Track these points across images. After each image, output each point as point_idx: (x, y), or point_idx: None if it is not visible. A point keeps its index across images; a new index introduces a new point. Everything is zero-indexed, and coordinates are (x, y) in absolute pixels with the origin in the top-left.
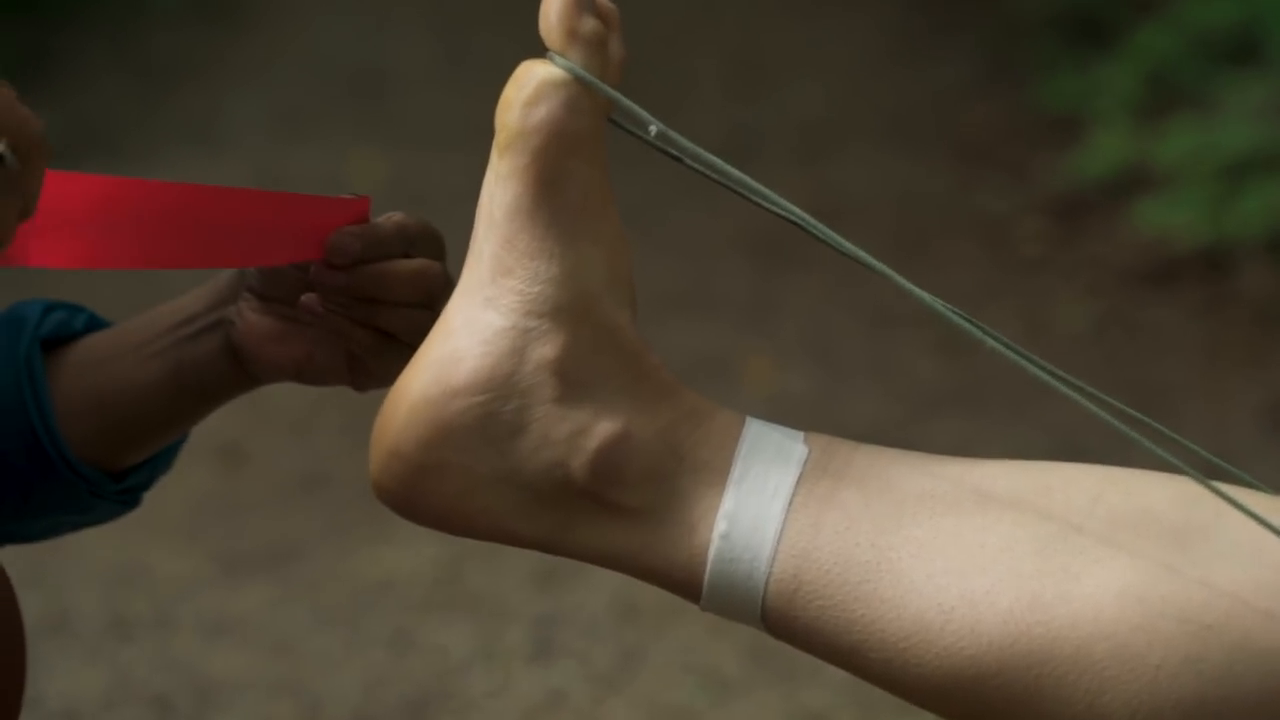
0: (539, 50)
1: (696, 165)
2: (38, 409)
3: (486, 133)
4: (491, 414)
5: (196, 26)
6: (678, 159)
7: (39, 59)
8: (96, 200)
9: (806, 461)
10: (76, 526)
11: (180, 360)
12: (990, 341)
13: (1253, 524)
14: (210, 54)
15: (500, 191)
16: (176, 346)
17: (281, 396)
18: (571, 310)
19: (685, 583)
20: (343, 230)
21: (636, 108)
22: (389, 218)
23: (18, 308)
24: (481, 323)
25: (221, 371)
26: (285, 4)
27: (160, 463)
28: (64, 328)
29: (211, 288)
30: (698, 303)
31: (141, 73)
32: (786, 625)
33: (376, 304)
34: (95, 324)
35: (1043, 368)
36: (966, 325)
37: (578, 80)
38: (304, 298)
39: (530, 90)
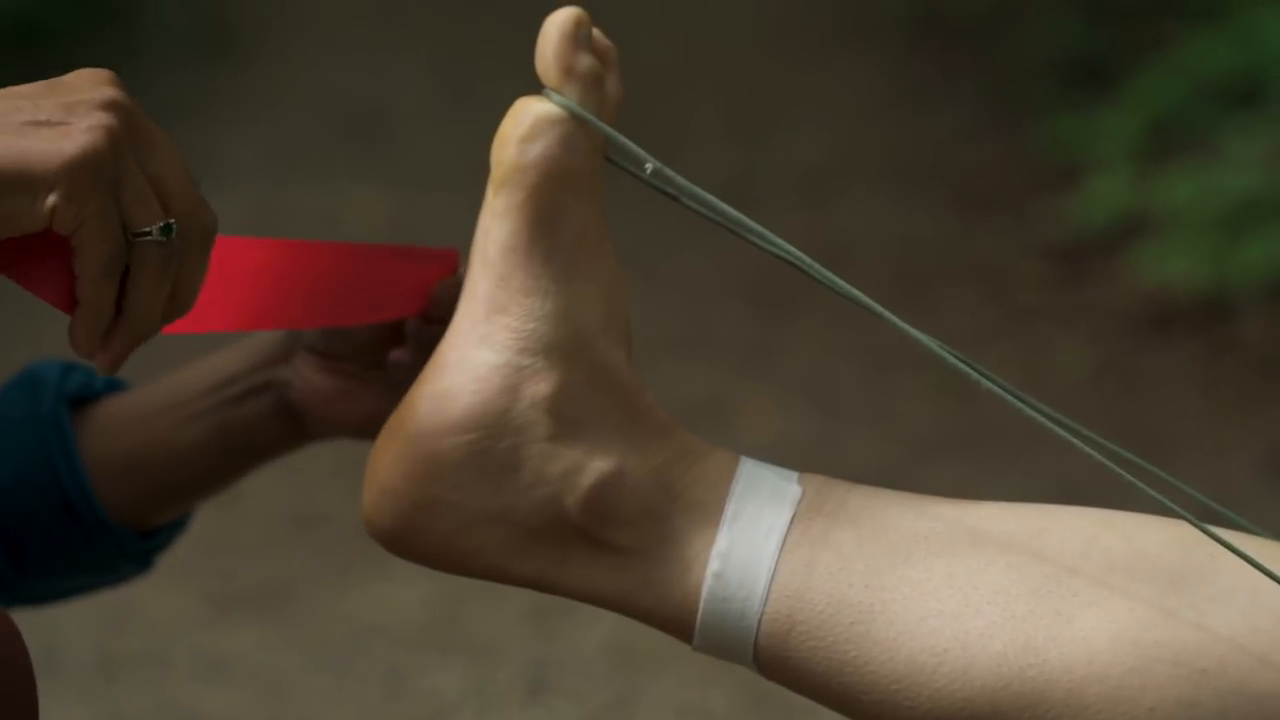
0: (539, 91)
1: (693, 204)
2: (68, 469)
3: (486, 173)
4: (485, 451)
5: (195, 65)
6: (674, 198)
7: None
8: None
9: (800, 501)
10: (93, 588)
11: (225, 422)
12: (987, 384)
13: (1249, 569)
14: (209, 93)
15: (495, 228)
16: (220, 408)
17: None
18: (566, 348)
19: (678, 622)
20: (446, 284)
21: (632, 145)
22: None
23: (34, 369)
24: (475, 360)
25: (271, 433)
26: (284, 43)
27: (180, 524)
28: (87, 388)
29: (252, 349)
30: (695, 345)
31: None
32: (779, 666)
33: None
34: (114, 385)
35: (1040, 411)
36: (964, 368)
37: (574, 117)
38: (394, 354)
39: (526, 127)
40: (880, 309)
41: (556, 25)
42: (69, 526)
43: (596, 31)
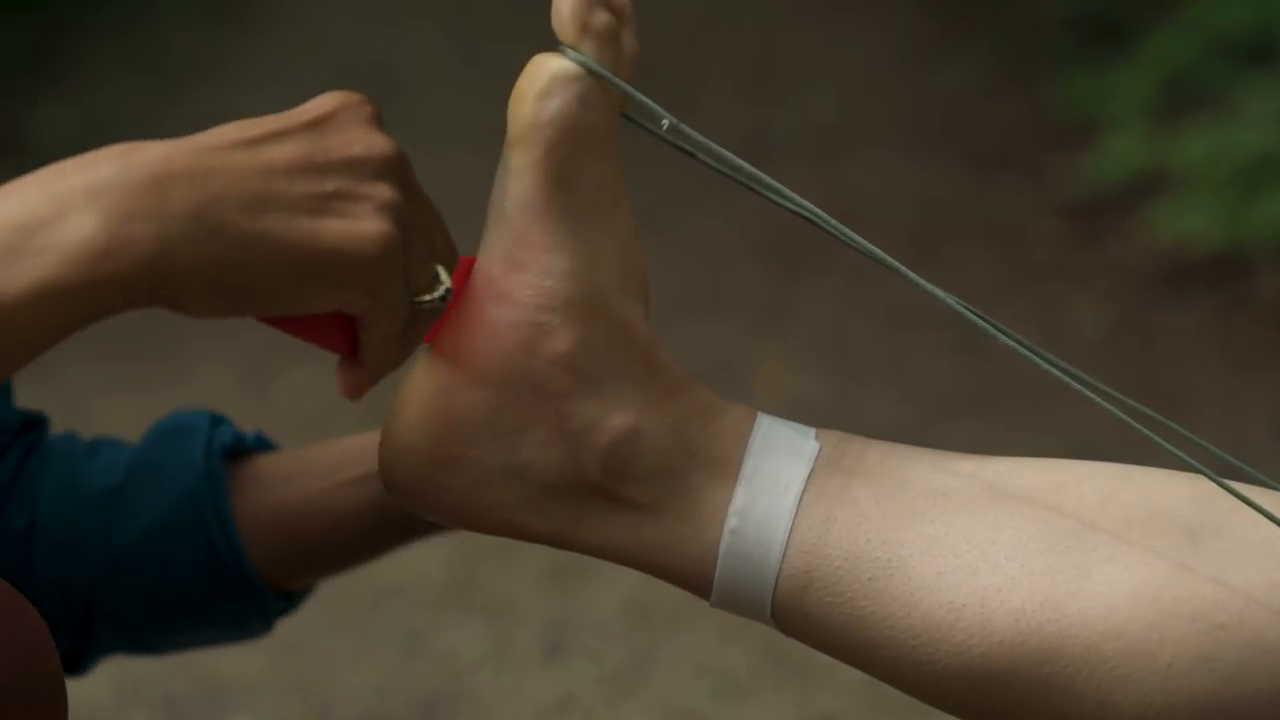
0: (554, 50)
1: (709, 160)
2: (219, 522)
3: (500, 134)
4: (502, 408)
5: (210, 26)
6: (690, 154)
7: (51, 59)
8: None
9: (818, 457)
10: (213, 643)
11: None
12: (1005, 340)
13: (1267, 523)
14: (224, 54)
15: (512, 186)
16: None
17: (290, 396)
18: (583, 305)
19: (696, 578)
20: None
21: (649, 101)
22: None
23: (181, 417)
24: (493, 317)
25: None
26: (299, 4)
27: (310, 589)
28: (238, 442)
29: None
30: (711, 305)
31: (154, 73)
32: (796, 621)
33: None
34: (264, 442)
35: (1057, 366)
36: (982, 324)
37: (590, 74)
38: None
39: (543, 83)
40: (898, 264)
41: None
42: (212, 579)
43: None
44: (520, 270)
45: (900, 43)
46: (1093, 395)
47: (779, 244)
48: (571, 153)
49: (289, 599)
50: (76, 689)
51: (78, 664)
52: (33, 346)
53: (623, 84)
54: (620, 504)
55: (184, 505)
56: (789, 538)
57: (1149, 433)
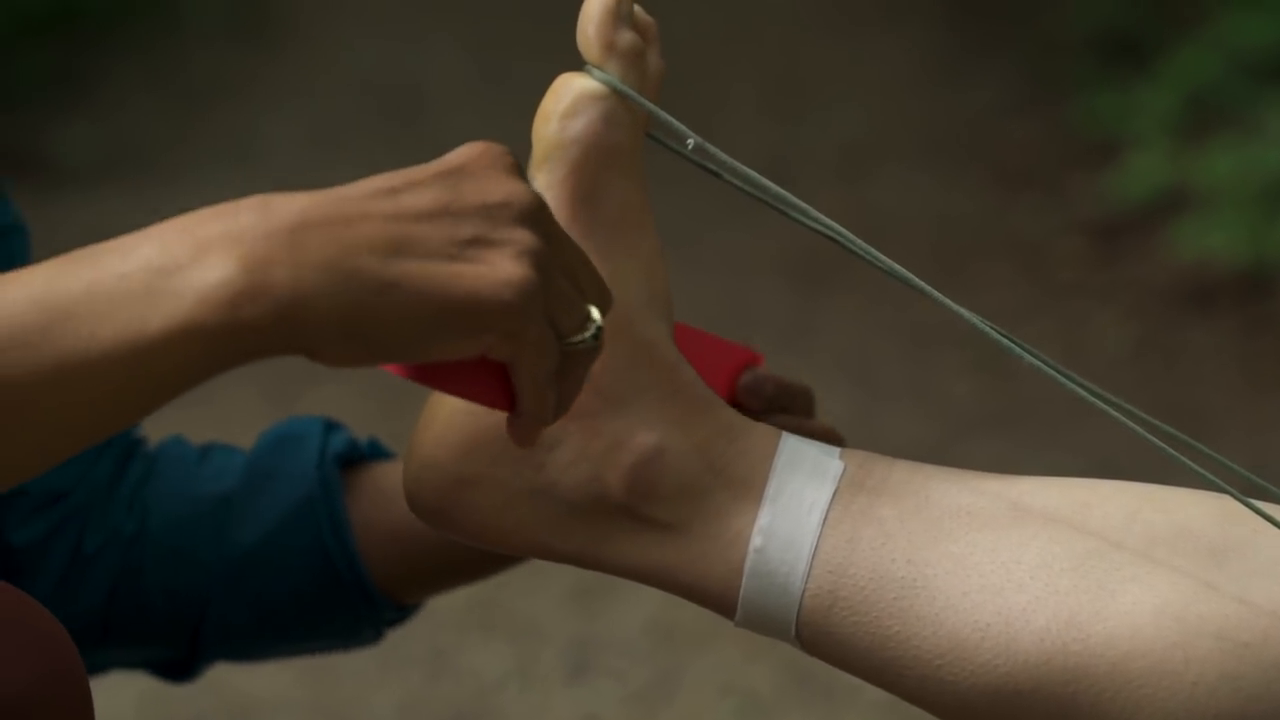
0: (577, 68)
1: (734, 180)
2: (334, 531)
3: (523, 155)
4: None
5: (232, 45)
6: (715, 174)
7: (74, 77)
8: None
9: (842, 477)
10: (322, 651)
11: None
12: (1030, 359)
13: None
14: (246, 73)
15: None
16: None
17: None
18: (608, 324)
19: (720, 598)
20: (757, 373)
21: (674, 121)
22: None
23: (293, 424)
24: None
25: None
26: (321, 23)
27: (424, 601)
28: (353, 449)
29: None
30: (735, 323)
31: (176, 92)
32: (821, 641)
33: None
34: (379, 450)
35: (1081, 385)
36: (1006, 343)
37: (615, 93)
38: None
39: (568, 102)
40: (922, 284)
41: (598, 1)
42: (327, 588)
43: (636, 7)
44: None
45: (924, 61)
46: (1116, 414)
47: (803, 262)
48: (597, 172)
49: (403, 610)
50: (102, 708)
51: (186, 671)
52: (166, 389)
53: (648, 103)
54: (645, 523)
55: (298, 513)
56: (814, 557)
57: (1173, 451)
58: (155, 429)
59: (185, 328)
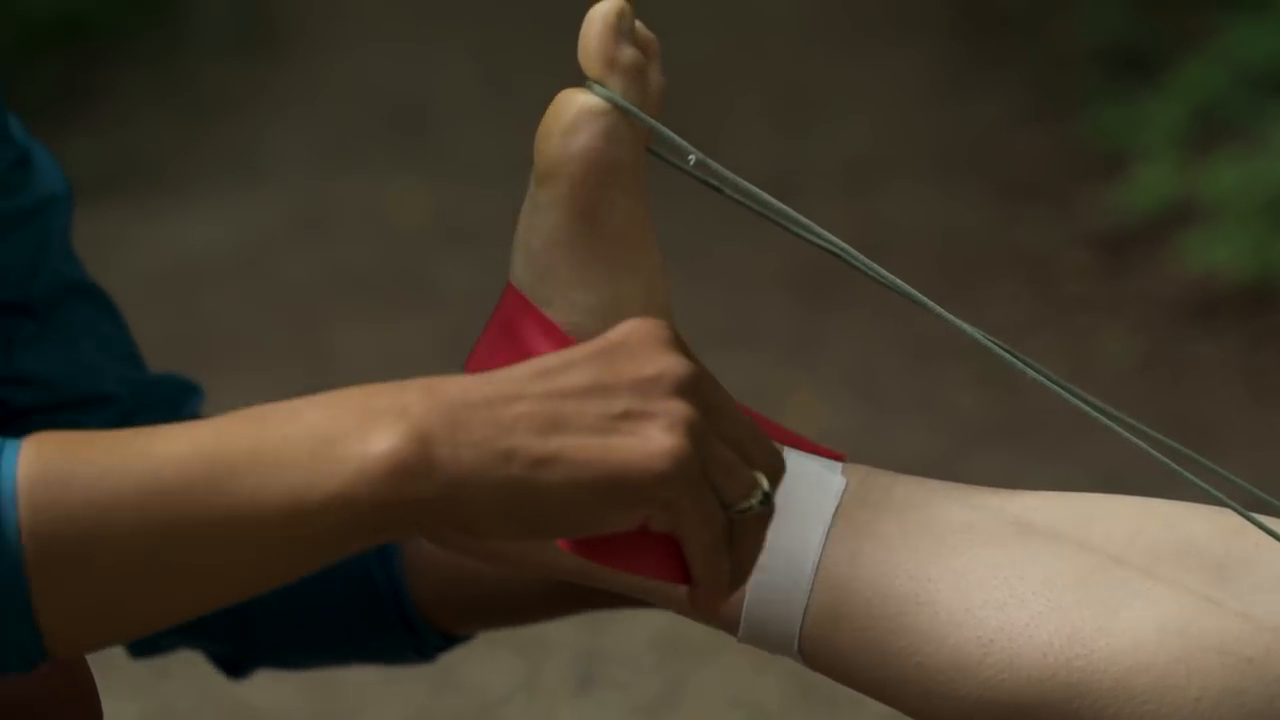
0: (581, 83)
1: (736, 195)
2: (380, 558)
3: (528, 166)
4: None
5: (238, 58)
6: (717, 189)
7: (80, 91)
8: None
9: (845, 492)
10: (370, 664)
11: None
12: (1033, 374)
13: None
14: (251, 85)
15: (539, 221)
16: None
17: None
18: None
19: (723, 619)
20: None
21: (675, 137)
22: None
23: None
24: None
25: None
26: (327, 36)
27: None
28: None
29: None
30: (740, 337)
31: (183, 104)
32: (824, 656)
33: None
34: None
35: (1085, 400)
36: (1009, 358)
37: (617, 109)
38: None
39: (569, 119)
40: (925, 299)
41: (599, 17)
42: (367, 613)
43: (638, 23)
44: (546, 306)
45: (930, 75)
46: (1120, 429)
47: (807, 276)
48: (598, 188)
49: (450, 639)
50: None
51: (238, 668)
52: (320, 553)
53: (650, 119)
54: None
55: None
56: (816, 573)
57: (1176, 466)
58: None
59: (346, 496)
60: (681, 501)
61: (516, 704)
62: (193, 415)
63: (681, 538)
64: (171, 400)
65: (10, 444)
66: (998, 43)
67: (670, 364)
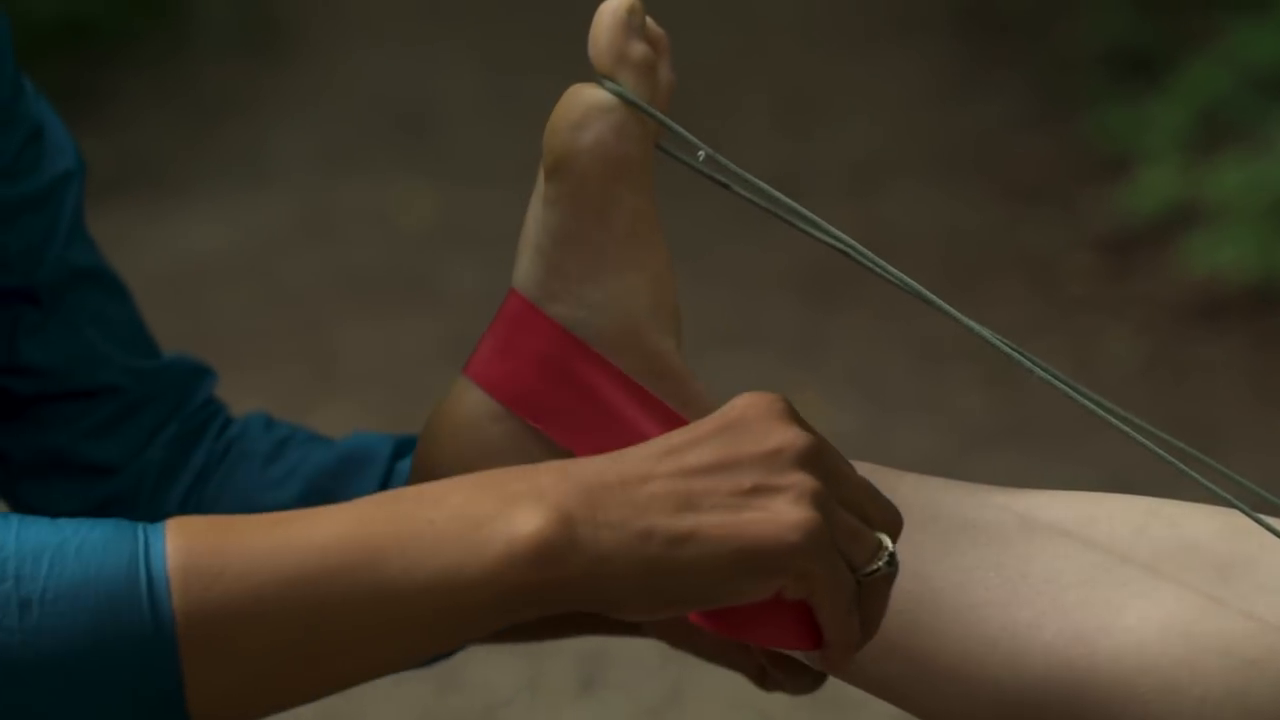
0: (588, 82)
1: (745, 193)
2: None
3: (534, 167)
4: (535, 438)
5: (242, 61)
6: (726, 186)
7: (85, 93)
8: None
9: None
10: None
11: None
12: (1040, 373)
13: None
14: (255, 88)
15: (546, 216)
16: None
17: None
18: (616, 337)
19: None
20: None
21: (685, 133)
22: None
23: (362, 441)
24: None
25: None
26: (331, 38)
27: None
28: None
29: None
30: (746, 337)
31: (187, 107)
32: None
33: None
34: None
35: (1090, 399)
36: (1016, 356)
37: (626, 105)
38: None
39: (579, 114)
40: (933, 297)
41: (610, 12)
42: None
43: (648, 19)
44: (553, 301)
45: (934, 76)
46: (1126, 428)
47: (814, 277)
48: (606, 184)
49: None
50: None
51: None
52: (464, 633)
53: (659, 115)
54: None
55: None
56: None
57: (1183, 466)
58: None
59: (493, 577)
60: (815, 570)
61: (520, 705)
62: (204, 401)
63: (815, 605)
64: (181, 388)
65: (155, 531)
66: (1002, 45)
67: (790, 437)
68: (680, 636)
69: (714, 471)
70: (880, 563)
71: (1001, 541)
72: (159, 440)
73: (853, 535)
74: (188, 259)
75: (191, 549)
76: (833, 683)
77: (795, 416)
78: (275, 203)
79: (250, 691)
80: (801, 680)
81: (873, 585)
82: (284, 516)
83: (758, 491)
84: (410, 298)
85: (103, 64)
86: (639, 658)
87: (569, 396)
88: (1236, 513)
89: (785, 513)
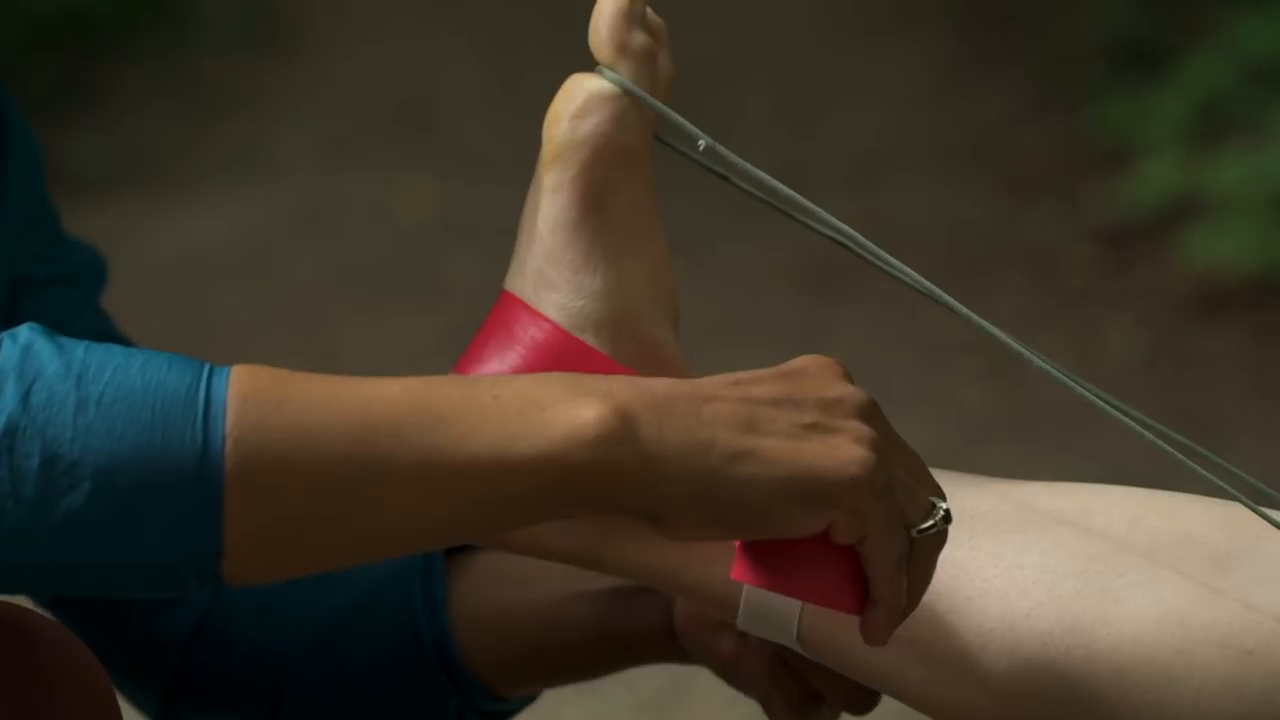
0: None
1: (743, 184)
2: (427, 608)
3: (535, 160)
4: None
5: (244, 54)
6: (725, 178)
7: (85, 88)
8: None
9: None
10: None
11: (614, 609)
12: (1040, 365)
13: None
14: (257, 82)
15: (545, 204)
16: (614, 598)
17: None
18: (614, 325)
19: (722, 599)
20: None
21: (685, 122)
22: None
23: None
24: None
25: (653, 642)
26: (333, 32)
27: (529, 699)
28: None
29: None
30: (746, 331)
31: (188, 101)
32: (823, 644)
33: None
34: None
35: (1091, 391)
36: (1015, 346)
37: (626, 94)
38: None
39: (579, 103)
40: (934, 288)
41: (610, 2)
42: (414, 668)
43: (648, 9)
44: (551, 290)
45: (936, 69)
46: (1126, 419)
47: (814, 269)
48: (606, 173)
49: (499, 700)
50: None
51: None
52: (511, 513)
53: (659, 104)
54: (647, 524)
55: (393, 584)
56: None
57: (1181, 457)
58: None
59: (549, 454)
60: (870, 510)
61: None
62: None
63: (867, 552)
64: None
65: (222, 368)
66: (1003, 37)
67: (850, 390)
68: (714, 657)
69: (777, 404)
70: (936, 519)
71: (998, 532)
72: None
73: (908, 491)
74: (189, 253)
75: (255, 381)
76: None
77: (850, 378)
78: (277, 197)
79: (287, 536)
80: (820, 713)
81: (924, 545)
82: (349, 378)
83: (817, 428)
84: (412, 291)
85: (104, 58)
86: None
87: None
88: (1233, 504)
89: (844, 448)
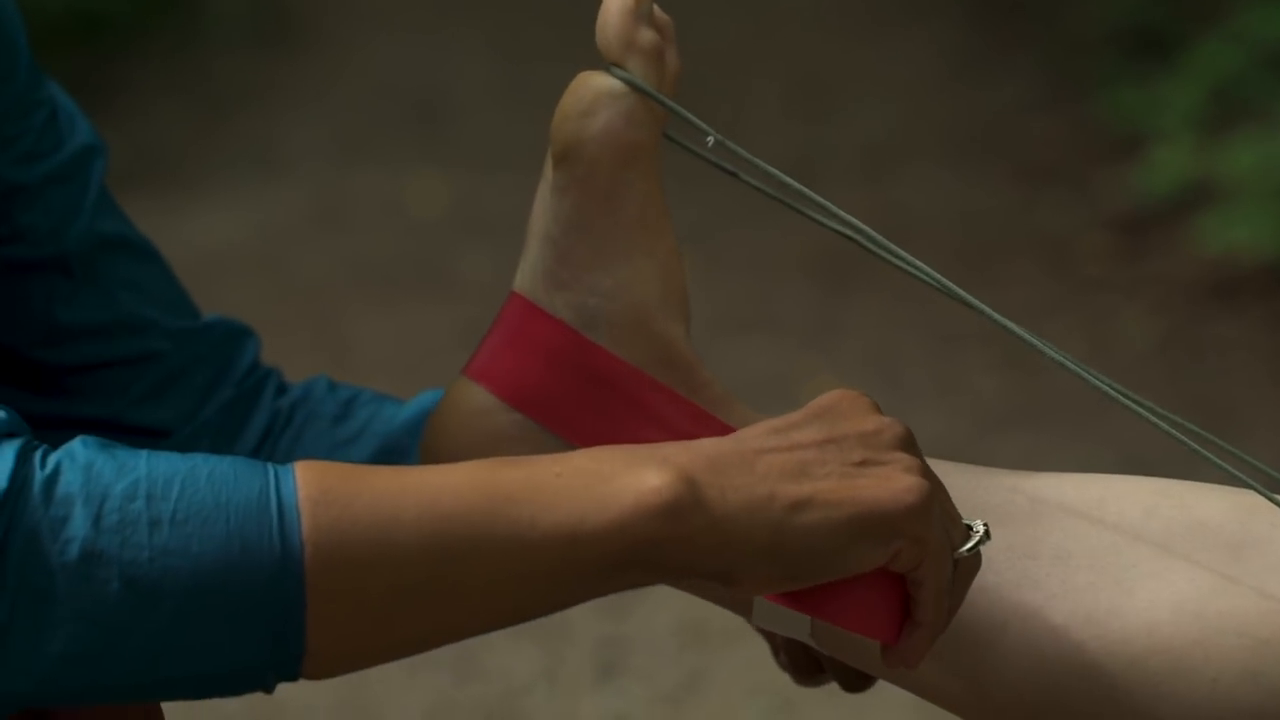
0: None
1: (752, 180)
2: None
3: (546, 154)
4: (542, 426)
5: (254, 51)
6: (733, 174)
7: (98, 85)
8: None
9: None
10: None
11: None
12: (1052, 355)
13: None
14: (268, 78)
15: (555, 203)
16: None
17: None
18: (625, 324)
19: (736, 596)
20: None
21: (694, 118)
22: None
23: (435, 399)
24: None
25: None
26: (344, 27)
27: None
28: None
29: None
30: (759, 323)
31: (200, 97)
32: (836, 638)
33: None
34: None
35: (1104, 382)
36: (1029, 340)
37: (635, 91)
38: None
39: (587, 101)
40: (945, 281)
41: (618, 0)
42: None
43: (655, 6)
44: (562, 288)
45: (947, 59)
46: (1142, 411)
47: (827, 261)
48: (615, 170)
49: None
50: None
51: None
52: (585, 587)
53: (668, 101)
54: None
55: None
56: None
57: (1196, 446)
58: None
59: (621, 526)
60: (929, 535)
61: (538, 692)
62: (252, 364)
63: (920, 577)
64: (224, 348)
65: (283, 467)
66: (1013, 26)
67: (885, 422)
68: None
69: (823, 445)
70: (975, 540)
71: (1011, 523)
72: (212, 403)
73: (952, 518)
74: (201, 250)
75: (322, 482)
76: None
77: (879, 409)
78: (288, 193)
79: (370, 630)
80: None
81: (965, 566)
82: (411, 468)
83: (867, 464)
84: (424, 286)
85: (114, 56)
86: (657, 644)
87: (576, 392)
88: (1247, 492)
89: (897, 478)
